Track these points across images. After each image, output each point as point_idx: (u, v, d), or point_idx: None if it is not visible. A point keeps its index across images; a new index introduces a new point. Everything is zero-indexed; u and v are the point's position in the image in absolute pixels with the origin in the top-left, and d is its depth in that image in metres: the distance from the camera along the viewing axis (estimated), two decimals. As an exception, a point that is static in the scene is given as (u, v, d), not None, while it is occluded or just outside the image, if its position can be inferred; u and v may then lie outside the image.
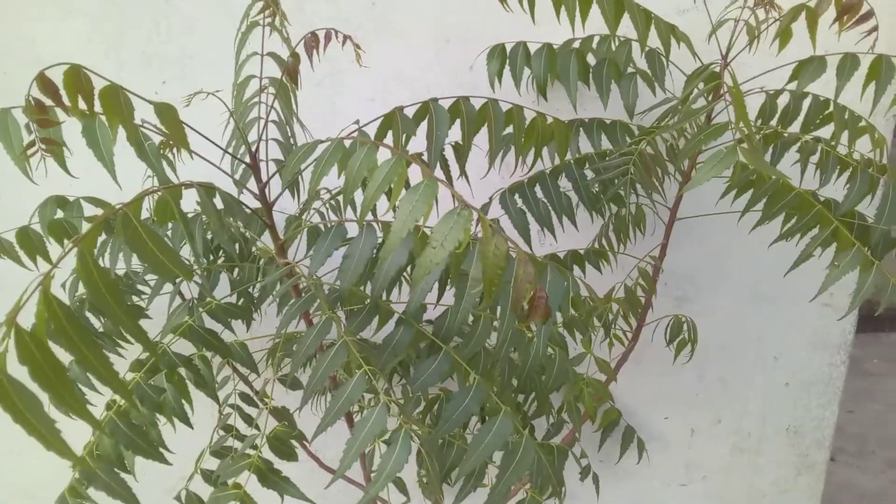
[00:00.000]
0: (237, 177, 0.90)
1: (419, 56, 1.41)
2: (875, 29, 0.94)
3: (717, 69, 1.02)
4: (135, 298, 1.21)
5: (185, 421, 0.89)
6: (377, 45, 1.39)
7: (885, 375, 4.04)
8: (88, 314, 1.14)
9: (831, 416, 1.70)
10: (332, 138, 0.75)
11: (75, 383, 0.56)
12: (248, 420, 1.10)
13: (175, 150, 1.04)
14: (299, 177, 0.98)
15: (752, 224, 1.13)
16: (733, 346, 1.63)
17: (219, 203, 0.77)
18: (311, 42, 0.79)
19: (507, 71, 1.16)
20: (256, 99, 0.88)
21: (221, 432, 1.11)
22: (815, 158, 1.13)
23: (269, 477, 0.78)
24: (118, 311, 0.52)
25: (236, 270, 1.13)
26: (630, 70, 1.17)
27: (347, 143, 0.71)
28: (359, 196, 0.70)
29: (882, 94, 1.06)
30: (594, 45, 1.18)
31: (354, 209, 0.99)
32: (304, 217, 0.98)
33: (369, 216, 0.80)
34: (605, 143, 1.20)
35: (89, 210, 1.14)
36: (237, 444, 1.15)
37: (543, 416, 1.24)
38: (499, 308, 0.77)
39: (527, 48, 1.16)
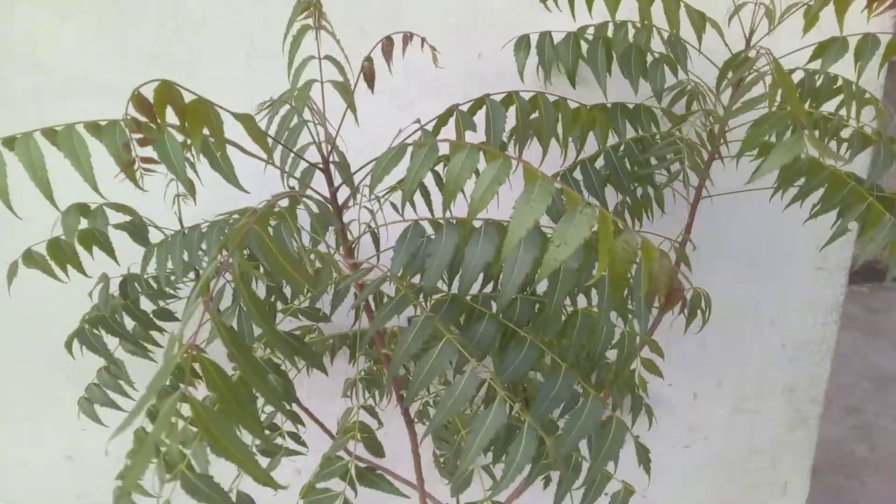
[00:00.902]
0: (293, 180, 0.90)
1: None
2: (904, 9, 0.98)
3: (752, 54, 1.06)
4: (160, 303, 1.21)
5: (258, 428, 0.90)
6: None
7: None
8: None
9: (824, 372, 1.79)
10: (412, 141, 0.76)
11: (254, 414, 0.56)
12: (294, 417, 1.11)
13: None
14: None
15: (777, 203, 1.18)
16: (733, 313, 1.69)
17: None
18: (388, 46, 0.80)
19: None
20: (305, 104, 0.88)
21: (267, 431, 1.12)
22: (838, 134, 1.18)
23: (367, 476, 0.80)
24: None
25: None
26: (654, 56, 1.20)
27: (439, 145, 0.72)
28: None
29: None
30: (609, 33, 1.20)
31: (413, 206, 1.00)
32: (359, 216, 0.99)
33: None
34: (629, 129, 1.24)
35: (113, 217, 1.12)
36: (283, 442, 1.16)
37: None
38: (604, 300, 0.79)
39: (552, 38, 1.18)
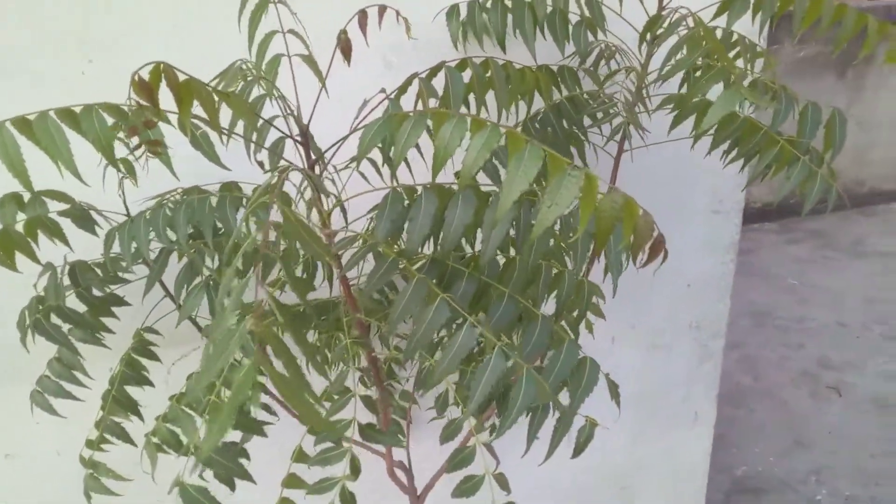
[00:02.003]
0: (259, 157, 0.92)
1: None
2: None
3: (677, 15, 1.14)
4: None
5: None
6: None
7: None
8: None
9: (724, 307, 1.95)
10: (389, 112, 0.80)
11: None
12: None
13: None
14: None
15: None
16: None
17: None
18: (363, 19, 0.82)
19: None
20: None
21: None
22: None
23: (367, 431, 0.84)
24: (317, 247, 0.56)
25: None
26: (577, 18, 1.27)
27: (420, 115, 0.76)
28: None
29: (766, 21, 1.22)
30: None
31: (379, 172, 1.04)
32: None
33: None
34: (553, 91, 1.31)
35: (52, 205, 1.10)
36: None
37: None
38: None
39: (481, 5, 1.23)
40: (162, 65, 0.68)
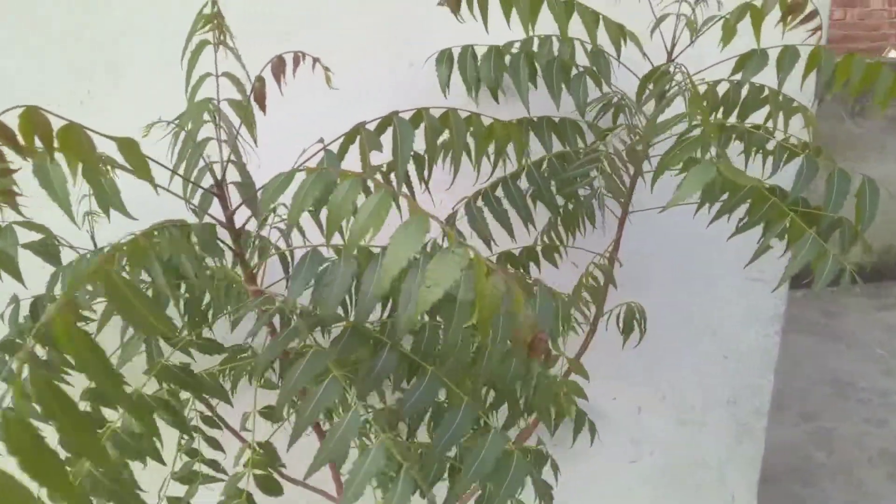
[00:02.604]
0: (194, 202, 0.86)
1: (354, 50, 1.38)
2: (819, 28, 0.97)
3: (671, 69, 1.04)
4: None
5: (159, 459, 0.86)
6: (308, 36, 1.34)
7: (789, 332, 4.24)
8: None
9: (767, 384, 1.78)
10: (303, 166, 0.73)
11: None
12: (213, 443, 1.07)
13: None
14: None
15: (704, 215, 1.16)
16: (672, 324, 1.68)
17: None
18: (279, 66, 0.77)
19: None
20: (210, 121, 0.84)
21: (185, 457, 1.08)
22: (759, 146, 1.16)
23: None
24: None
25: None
26: (579, 70, 1.18)
27: (326, 173, 0.69)
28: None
29: (827, 83, 1.10)
30: (534, 48, 1.18)
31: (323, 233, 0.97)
32: (262, 236, 0.96)
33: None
34: (555, 143, 1.21)
35: (24, 236, 1.08)
36: (202, 468, 1.12)
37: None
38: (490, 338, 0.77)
39: (474, 52, 1.15)
40: (30, 108, 0.63)
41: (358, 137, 0.86)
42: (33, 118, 0.64)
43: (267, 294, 0.79)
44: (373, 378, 0.78)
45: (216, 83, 0.82)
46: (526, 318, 0.57)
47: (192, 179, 0.80)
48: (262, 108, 0.77)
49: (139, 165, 0.70)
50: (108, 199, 0.76)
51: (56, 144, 0.67)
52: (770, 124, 1.14)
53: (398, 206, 0.68)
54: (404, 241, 0.60)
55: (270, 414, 0.82)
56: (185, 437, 1.09)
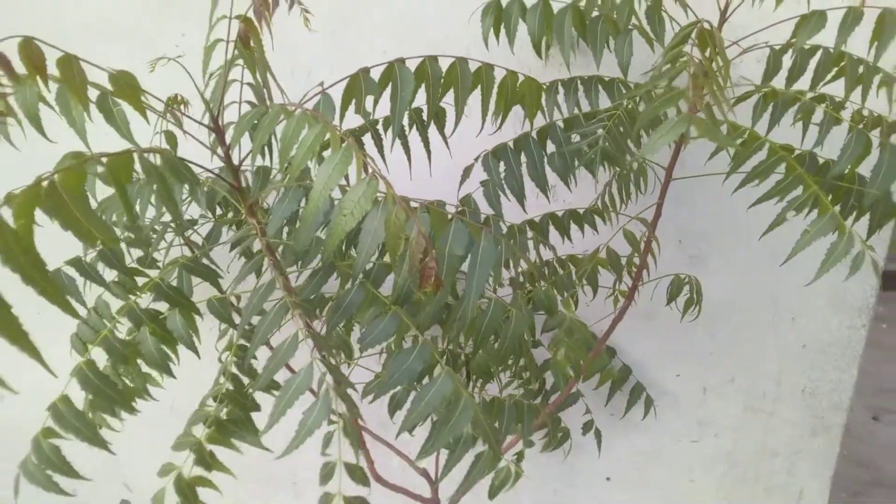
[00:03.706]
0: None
1: (433, 6, 1.40)
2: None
3: (706, 26, 0.99)
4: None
5: (168, 371, 0.94)
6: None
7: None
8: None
9: (850, 378, 1.67)
10: (290, 103, 0.77)
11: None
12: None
13: (180, 107, 1.07)
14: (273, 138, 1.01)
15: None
16: (748, 305, 1.61)
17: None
18: (261, 7, 0.81)
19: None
20: (228, 62, 0.90)
21: (212, 402, 1.16)
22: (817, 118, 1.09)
23: (229, 428, 0.82)
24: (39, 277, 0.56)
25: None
26: (629, 27, 1.15)
27: (292, 112, 0.73)
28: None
29: (884, 49, 1.01)
30: (599, 1, 1.15)
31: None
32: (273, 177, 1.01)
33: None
34: (606, 102, 1.19)
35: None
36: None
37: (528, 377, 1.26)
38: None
39: (522, 4, 1.14)
40: (27, 39, 0.71)
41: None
42: (28, 49, 0.72)
43: (257, 224, 0.84)
44: (340, 312, 0.82)
45: (228, 25, 0.87)
46: (417, 244, 0.59)
47: (199, 121, 0.86)
48: (247, 47, 0.81)
49: (131, 97, 0.77)
50: (120, 129, 0.83)
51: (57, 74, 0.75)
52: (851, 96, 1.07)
53: (358, 160, 0.70)
54: (330, 169, 0.63)
55: (241, 365, 0.87)
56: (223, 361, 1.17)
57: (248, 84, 0.97)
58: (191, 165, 0.83)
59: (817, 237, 0.93)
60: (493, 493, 0.92)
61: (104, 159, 0.70)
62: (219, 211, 1.22)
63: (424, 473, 1.47)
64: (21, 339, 0.52)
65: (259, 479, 1.87)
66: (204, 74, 0.90)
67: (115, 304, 0.94)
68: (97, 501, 1.88)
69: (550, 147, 1.11)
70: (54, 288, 0.55)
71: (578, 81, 1.16)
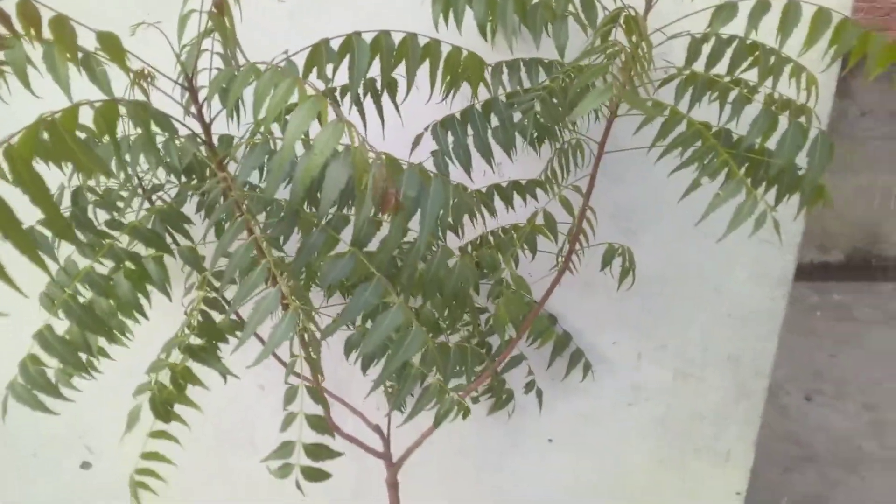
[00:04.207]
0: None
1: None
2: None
3: (630, 13, 1.12)
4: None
5: (141, 312, 1.03)
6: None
7: (873, 323, 4.12)
8: None
9: (771, 346, 1.82)
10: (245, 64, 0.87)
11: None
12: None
13: (147, 80, 1.16)
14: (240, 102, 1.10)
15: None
16: (677, 277, 1.74)
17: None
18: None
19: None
20: (202, 32, 0.99)
21: (187, 331, 1.25)
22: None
23: (199, 353, 0.92)
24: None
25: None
26: (566, 14, 1.27)
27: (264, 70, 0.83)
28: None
29: (787, 36, 1.14)
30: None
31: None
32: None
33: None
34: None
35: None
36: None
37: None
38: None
39: (470, -11, 1.25)
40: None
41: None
42: (26, 6, 0.81)
43: (225, 175, 0.94)
44: (304, 253, 0.92)
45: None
46: (379, 173, 0.69)
47: (174, 80, 0.95)
48: (222, 15, 0.91)
49: (117, 56, 0.86)
50: (101, 86, 0.91)
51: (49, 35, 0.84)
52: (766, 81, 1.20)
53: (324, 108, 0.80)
54: (300, 117, 0.73)
55: (214, 303, 0.97)
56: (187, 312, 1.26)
57: (218, 53, 1.06)
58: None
59: (727, 199, 1.05)
60: (437, 422, 1.03)
61: (96, 105, 0.79)
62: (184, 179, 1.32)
63: (377, 429, 1.58)
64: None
65: (218, 439, 1.95)
66: (179, 42, 0.99)
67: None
68: (60, 463, 1.95)
69: (496, 122, 1.23)
70: (28, 242, 0.64)
71: (521, 62, 1.27)
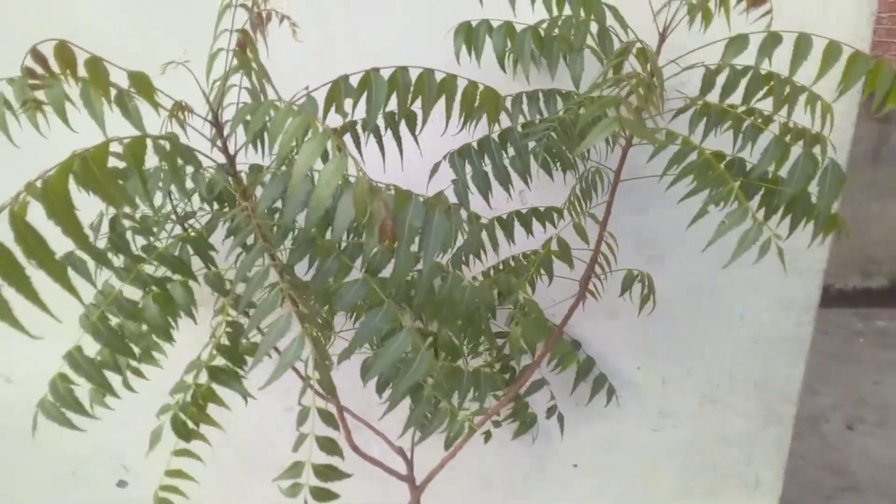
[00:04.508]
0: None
1: (410, 31, 1.56)
2: (769, 12, 1.05)
3: (640, 46, 1.15)
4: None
5: (168, 335, 1.08)
6: (367, 18, 1.54)
7: (920, 351, 4.03)
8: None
9: (798, 373, 1.81)
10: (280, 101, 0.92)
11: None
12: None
13: (184, 112, 1.22)
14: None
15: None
16: (701, 303, 1.75)
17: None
18: (256, 21, 0.96)
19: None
20: (228, 70, 1.05)
21: (209, 353, 1.30)
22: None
23: (220, 376, 0.97)
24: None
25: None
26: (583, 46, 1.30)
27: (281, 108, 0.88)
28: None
29: (798, 66, 1.17)
30: (559, 26, 1.31)
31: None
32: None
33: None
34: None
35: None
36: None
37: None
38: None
39: (489, 25, 1.30)
40: (63, 42, 0.86)
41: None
42: (63, 49, 0.87)
43: (251, 204, 0.99)
44: (318, 279, 0.97)
45: (229, 37, 1.03)
46: (379, 207, 0.73)
47: (203, 117, 1.01)
48: (245, 54, 0.96)
49: (147, 93, 0.92)
50: (133, 121, 0.97)
51: (85, 74, 0.90)
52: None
53: (333, 142, 0.84)
54: (309, 150, 0.78)
55: (236, 326, 1.02)
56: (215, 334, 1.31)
57: (246, 88, 1.12)
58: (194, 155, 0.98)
59: (731, 227, 1.07)
60: (448, 444, 1.06)
61: (125, 141, 0.84)
62: (216, 207, 1.38)
63: (400, 452, 1.61)
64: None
65: (241, 464, 1.99)
66: (207, 79, 1.05)
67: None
68: (97, 481, 2.02)
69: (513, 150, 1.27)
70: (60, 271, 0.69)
71: (540, 93, 1.31)
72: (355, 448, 1.36)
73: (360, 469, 1.26)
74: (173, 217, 1.26)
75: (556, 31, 1.29)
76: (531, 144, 1.26)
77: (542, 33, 1.28)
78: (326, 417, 0.94)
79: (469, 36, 1.31)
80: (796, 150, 1.18)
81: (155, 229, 1.29)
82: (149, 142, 0.86)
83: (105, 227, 1.32)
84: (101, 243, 1.23)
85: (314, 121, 0.80)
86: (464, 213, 1.18)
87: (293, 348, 0.81)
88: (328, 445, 0.94)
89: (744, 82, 1.28)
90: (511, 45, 1.28)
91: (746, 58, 1.19)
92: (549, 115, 1.29)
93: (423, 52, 1.54)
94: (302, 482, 0.94)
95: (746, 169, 1.26)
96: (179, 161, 0.92)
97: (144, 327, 1.08)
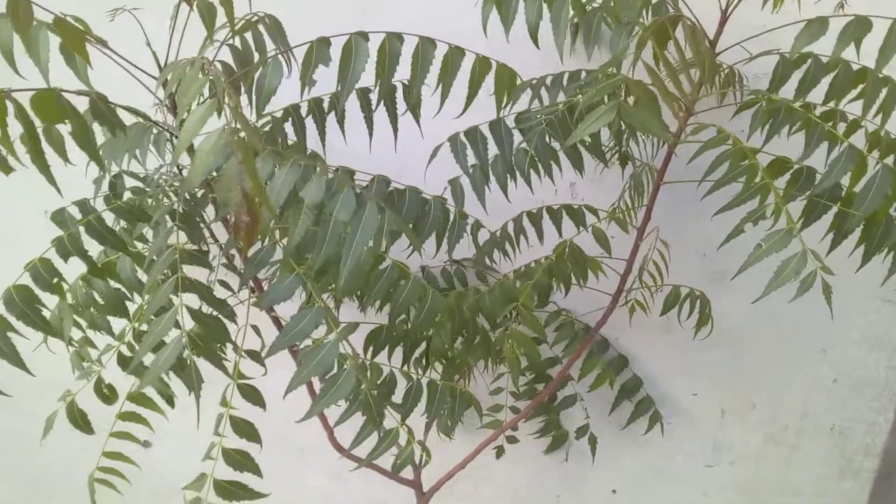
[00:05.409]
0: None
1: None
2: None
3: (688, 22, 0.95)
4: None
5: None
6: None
7: None
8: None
9: (885, 422, 1.55)
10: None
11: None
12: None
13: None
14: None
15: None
16: (775, 330, 1.51)
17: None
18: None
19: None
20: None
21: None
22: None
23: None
24: None
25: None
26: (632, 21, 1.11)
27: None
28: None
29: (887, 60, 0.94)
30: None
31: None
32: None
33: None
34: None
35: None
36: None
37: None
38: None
39: (522, -9, 1.12)
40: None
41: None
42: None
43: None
44: (256, 264, 0.85)
45: None
46: (235, 194, 0.59)
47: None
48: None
49: (76, 41, 0.82)
50: (78, 73, 0.88)
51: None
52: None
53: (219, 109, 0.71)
54: (198, 115, 0.65)
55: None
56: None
57: (230, 45, 1.00)
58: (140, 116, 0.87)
59: (769, 252, 0.87)
60: (395, 469, 0.92)
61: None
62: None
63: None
64: None
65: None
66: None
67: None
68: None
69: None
70: None
71: (566, 74, 1.13)
72: (340, 448, 1.24)
73: (364, 470, 1.14)
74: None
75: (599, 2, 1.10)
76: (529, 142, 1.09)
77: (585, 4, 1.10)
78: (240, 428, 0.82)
79: (500, 2, 1.14)
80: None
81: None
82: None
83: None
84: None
85: (220, 81, 0.68)
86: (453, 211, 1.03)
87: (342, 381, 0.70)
88: (237, 459, 0.83)
89: (828, 79, 1.05)
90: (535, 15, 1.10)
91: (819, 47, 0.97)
92: (548, 104, 1.10)
93: (445, 27, 1.39)
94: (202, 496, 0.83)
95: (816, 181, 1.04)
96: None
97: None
